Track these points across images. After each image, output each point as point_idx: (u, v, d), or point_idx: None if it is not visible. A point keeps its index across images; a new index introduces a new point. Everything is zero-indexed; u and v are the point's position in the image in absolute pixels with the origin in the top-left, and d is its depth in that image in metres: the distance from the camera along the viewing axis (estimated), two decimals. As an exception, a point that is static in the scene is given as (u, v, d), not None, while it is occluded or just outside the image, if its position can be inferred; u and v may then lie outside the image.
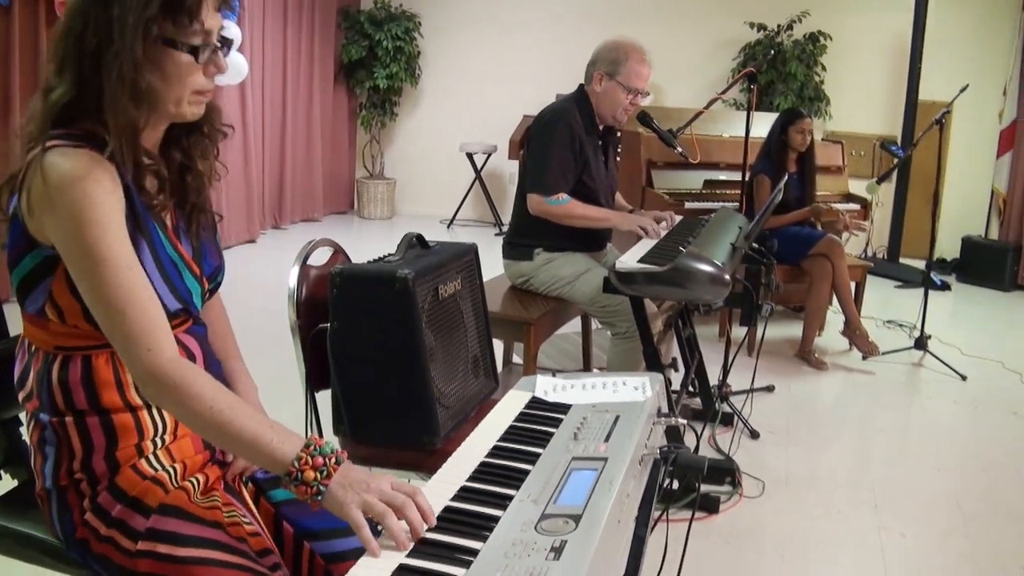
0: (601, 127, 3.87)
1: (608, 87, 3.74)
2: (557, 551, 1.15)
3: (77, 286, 1.46)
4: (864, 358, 5.25)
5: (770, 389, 4.69)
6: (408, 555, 1.21)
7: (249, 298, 5.43)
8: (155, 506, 1.55)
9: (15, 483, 1.91)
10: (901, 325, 6.11)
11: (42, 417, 1.58)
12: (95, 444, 1.56)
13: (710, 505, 3.32)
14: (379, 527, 1.30)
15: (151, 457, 1.60)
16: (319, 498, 1.37)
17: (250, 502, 1.73)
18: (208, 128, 1.68)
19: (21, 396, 1.63)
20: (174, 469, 1.61)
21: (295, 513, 1.73)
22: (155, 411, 1.61)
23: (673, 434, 3.25)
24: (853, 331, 5.27)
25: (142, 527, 1.53)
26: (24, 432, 1.86)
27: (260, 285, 6.04)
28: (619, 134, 6.16)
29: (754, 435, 4.04)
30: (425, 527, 1.28)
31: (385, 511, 1.29)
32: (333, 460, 1.39)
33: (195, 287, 1.65)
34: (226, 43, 1.56)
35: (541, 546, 1.17)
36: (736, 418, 4.11)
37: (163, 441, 1.62)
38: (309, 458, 1.38)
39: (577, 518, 1.24)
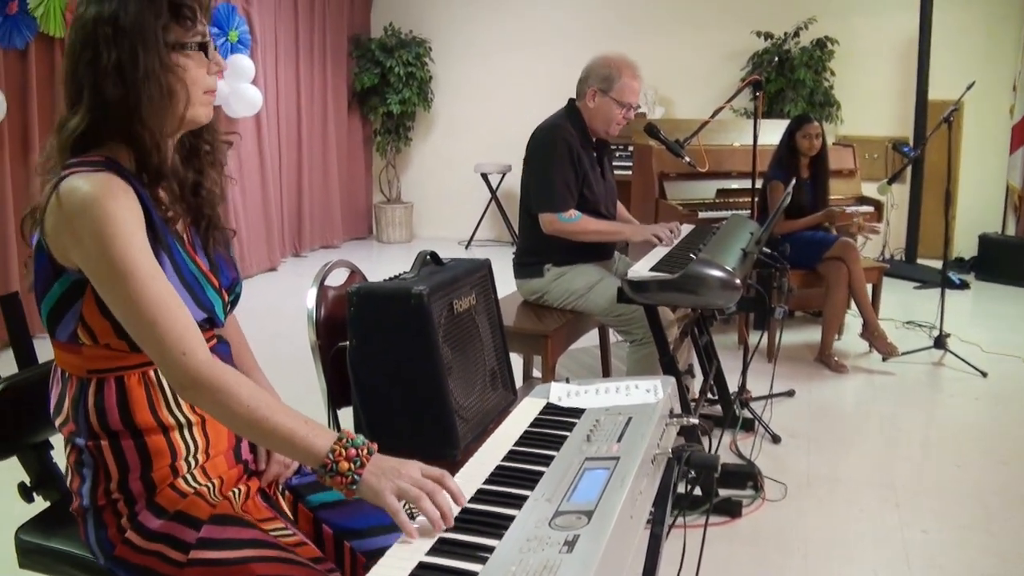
0: (594, 139, 3.92)
1: (602, 103, 3.80)
2: (570, 545, 1.19)
3: (107, 303, 1.50)
4: (884, 359, 5.26)
5: (790, 394, 4.70)
6: (427, 553, 1.26)
7: (271, 324, 5.49)
8: (205, 518, 1.60)
9: (47, 504, 1.96)
10: (920, 325, 6.11)
11: (78, 441, 1.63)
12: (130, 466, 1.61)
13: (733, 509, 3.34)
14: (413, 511, 1.36)
15: (187, 476, 1.65)
16: (354, 487, 1.44)
17: (288, 511, 1.80)
18: (212, 139, 1.75)
19: (58, 422, 1.68)
20: (212, 484, 1.67)
21: (333, 515, 1.80)
22: (186, 432, 1.66)
23: (691, 435, 3.29)
24: (871, 333, 5.28)
25: (192, 538, 1.58)
26: (54, 455, 1.95)
27: (281, 311, 6.12)
28: (627, 147, 6.23)
29: (775, 440, 4.06)
30: (457, 509, 1.35)
31: (419, 495, 1.36)
32: (365, 451, 1.47)
33: (216, 300, 1.71)
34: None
35: (554, 540, 1.21)
36: (757, 423, 4.13)
37: (196, 461, 1.68)
38: (343, 450, 1.46)
39: (589, 514, 1.28)
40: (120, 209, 1.47)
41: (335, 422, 2.54)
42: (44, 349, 1.73)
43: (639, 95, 3.86)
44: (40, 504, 1.96)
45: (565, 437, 1.65)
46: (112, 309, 1.51)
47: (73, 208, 1.46)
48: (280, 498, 1.82)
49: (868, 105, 8.73)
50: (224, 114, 7.19)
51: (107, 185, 1.48)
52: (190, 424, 1.67)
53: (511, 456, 1.60)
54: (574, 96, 3.94)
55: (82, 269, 1.50)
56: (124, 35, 1.49)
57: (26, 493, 1.93)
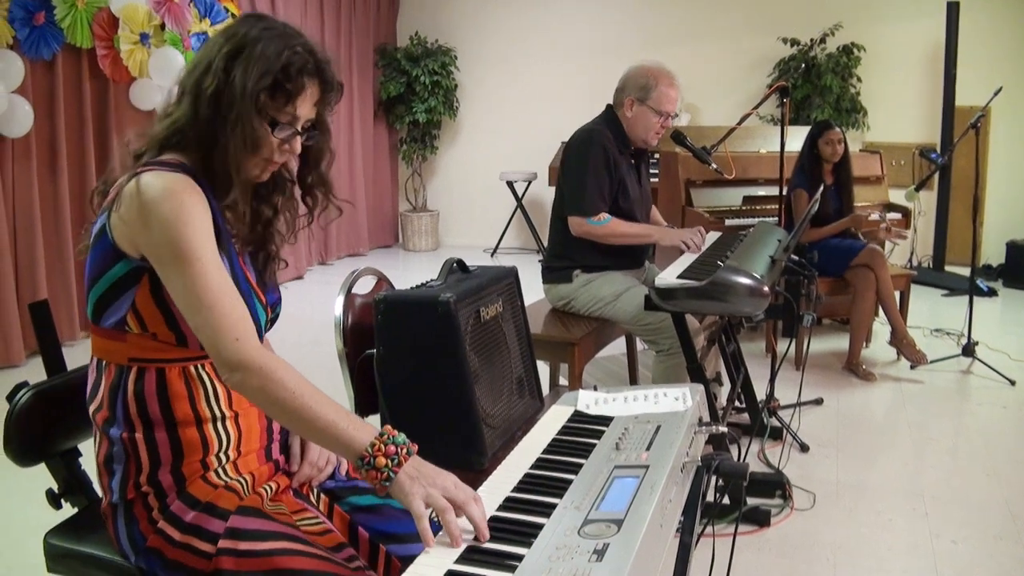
0: (632, 147, 3.91)
1: (639, 111, 3.79)
2: (599, 553, 1.19)
3: (168, 287, 1.58)
4: (912, 367, 5.22)
5: (819, 402, 4.67)
6: (456, 561, 1.26)
7: (298, 332, 5.51)
8: (232, 509, 1.64)
9: (75, 510, 1.98)
10: (949, 333, 6.06)
11: (112, 433, 1.67)
12: (162, 459, 1.65)
13: (761, 518, 3.31)
14: (437, 520, 1.37)
15: (219, 471, 1.69)
16: (387, 484, 1.45)
17: (323, 511, 1.81)
18: (324, 200, 1.89)
19: (92, 408, 1.72)
20: (244, 480, 1.71)
21: (370, 519, 1.81)
22: (219, 424, 1.70)
23: (720, 443, 3.27)
24: (900, 340, 5.24)
25: (220, 528, 1.61)
26: (82, 462, 1.97)
27: (309, 319, 6.14)
28: (655, 154, 6.21)
29: (804, 448, 4.03)
30: (482, 528, 1.34)
31: (446, 507, 1.36)
32: (404, 451, 1.49)
33: (262, 314, 1.77)
34: (311, 130, 1.75)
35: (584, 549, 1.21)
36: (785, 432, 4.10)
37: (228, 457, 1.71)
38: (383, 445, 1.48)
39: (619, 522, 1.28)
40: (195, 203, 1.58)
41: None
42: (73, 357, 1.75)
43: (676, 104, 3.85)
44: (67, 511, 1.97)
45: (594, 445, 1.65)
46: (173, 292, 1.57)
47: (150, 197, 1.55)
48: (311, 493, 1.85)
49: (895, 111, 8.67)
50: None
51: (184, 183, 1.59)
52: (224, 417, 1.71)
53: (539, 464, 1.59)
54: (611, 103, 3.94)
55: (147, 256, 1.58)
56: (232, 74, 1.61)
57: (54, 500, 1.95)
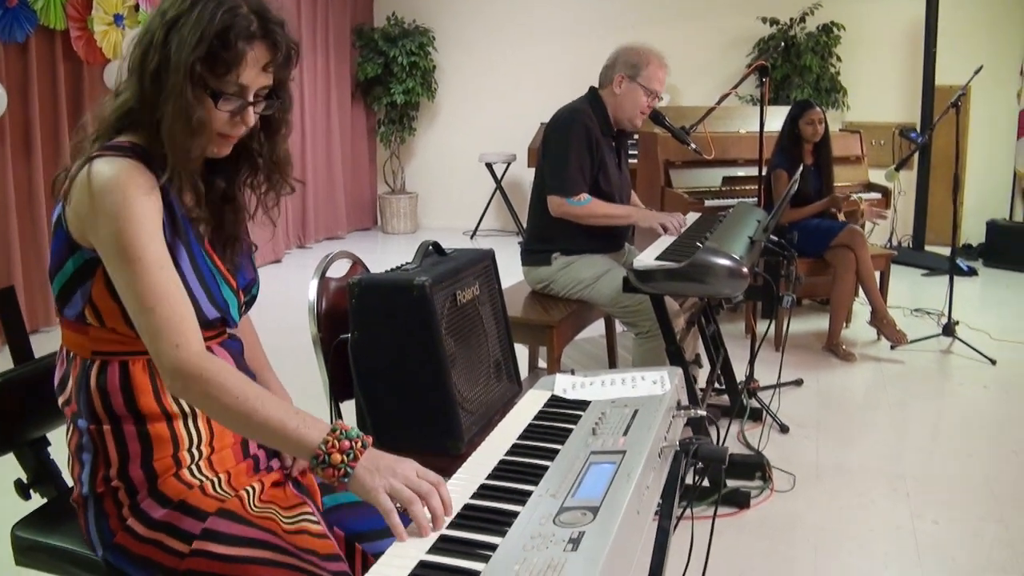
0: (615, 129, 3.88)
1: (628, 88, 3.77)
2: (575, 542, 1.16)
3: (114, 284, 1.52)
4: (892, 347, 5.22)
5: (798, 383, 4.66)
6: (428, 551, 1.23)
7: (276, 316, 5.46)
8: (212, 511, 1.59)
9: (44, 500, 1.95)
10: (929, 313, 6.06)
11: (80, 424, 1.63)
12: (131, 453, 1.61)
13: (741, 500, 3.30)
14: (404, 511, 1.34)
15: (192, 468, 1.64)
16: (346, 480, 1.41)
17: (320, 504, 1.76)
18: (276, 176, 1.77)
19: (60, 400, 1.68)
20: (218, 478, 1.66)
21: (344, 517, 1.77)
22: (190, 422, 1.66)
23: (699, 427, 3.25)
24: (880, 320, 5.24)
25: (197, 529, 1.57)
26: (51, 451, 1.93)
27: (286, 303, 6.08)
28: (634, 135, 6.18)
29: (783, 429, 4.03)
30: (447, 519, 1.31)
31: (412, 498, 1.33)
32: (359, 444, 1.44)
33: (232, 299, 1.72)
34: (268, 98, 1.65)
35: (559, 538, 1.18)
36: (765, 413, 4.09)
37: (200, 453, 1.66)
38: (336, 441, 1.43)
39: (595, 510, 1.25)
40: (139, 195, 1.51)
41: (337, 415, 2.52)
42: (40, 344, 1.71)
43: (664, 85, 3.86)
44: (36, 502, 1.94)
45: (570, 430, 1.62)
46: (118, 290, 1.53)
47: (97, 188, 1.49)
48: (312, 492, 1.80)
49: (875, 91, 8.68)
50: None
51: (131, 171, 1.52)
52: (194, 415, 1.66)
53: (515, 450, 1.56)
54: (594, 85, 3.91)
55: (96, 248, 1.53)
56: (168, 48, 1.52)
57: (23, 490, 1.92)
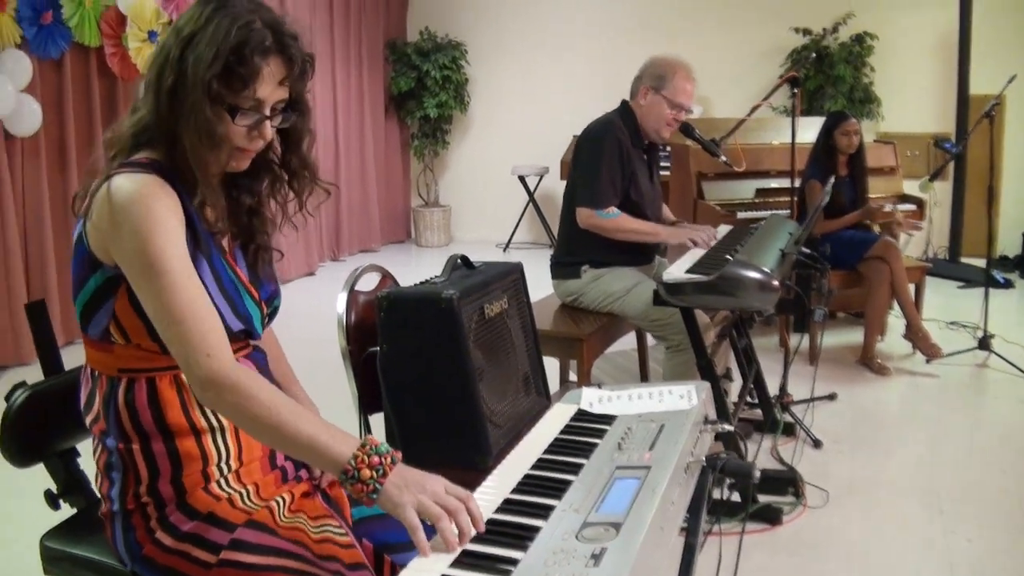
0: (646, 142, 3.87)
1: (653, 100, 3.75)
2: (596, 558, 1.15)
3: (140, 299, 1.52)
4: (927, 361, 5.15)
5: (832, 397, 4.61)
6: (450, 565, 1.23)
7: (308, 328, 5.49)
8: (241, 522, 1.60)
9: (74, 511, 1.96)
10: (964, 326, 5.98)
11: (109, 442, 1.63)
12: (160, 470, 1.61)
13: (773, 516, 3.26)
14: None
15: (220, 481, 1.65)
16: (375, 496, 1.40)
17: (349, 516, 1.76)
18: (307, 182, 1.77)
19: (88, 419, 1.69)
20: (246, 491, 1.66)
21: (372, 528, 1.76)
22: (219, 437, 1.66)
23: (731, 442, 3.23)
24: (915, 334, 5.18)
25: (225, 540, 1.57)
26: (80, 463, 1.95)
27: (318, 316, 6.12)
28: (667, 147, 6.16)
29: (817, 444, 3.98)
30: (474, 532, 1.31)
31: (440, 514, 1.33)
32: (389, 459, 1.43)
33: (255, 311, 1.72)
34: (285, 111, 1.65)
35: (581, 554, 1.17)
36: (798, 428, 4.05)
37: (229, 467, 1.67)
38: (366, 457, 1.42)
39: (618, 526, 1.24)
40: (162, 208, 1.51)
41: (366, 428, 2.52)
42: (74, 357, 1.73)
43: (691, 98, 3.81)
44: (65, 512, 1.95)
45: (596, 445, 1.61)
46: (144, 305, 1.52)
47: (118, 203, 1.50)
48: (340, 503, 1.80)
49: (909, 101, 8.60)
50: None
51: (151, 185, 1.52)
52: (223, 429, 1.66)
53: (539, 464, 1.56)
54: (626, 98, 3.90)
55: (119, 264, 1.53)
56: (184, 64, 1.52)
57: (52, 500, 1.93)
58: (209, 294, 1.58)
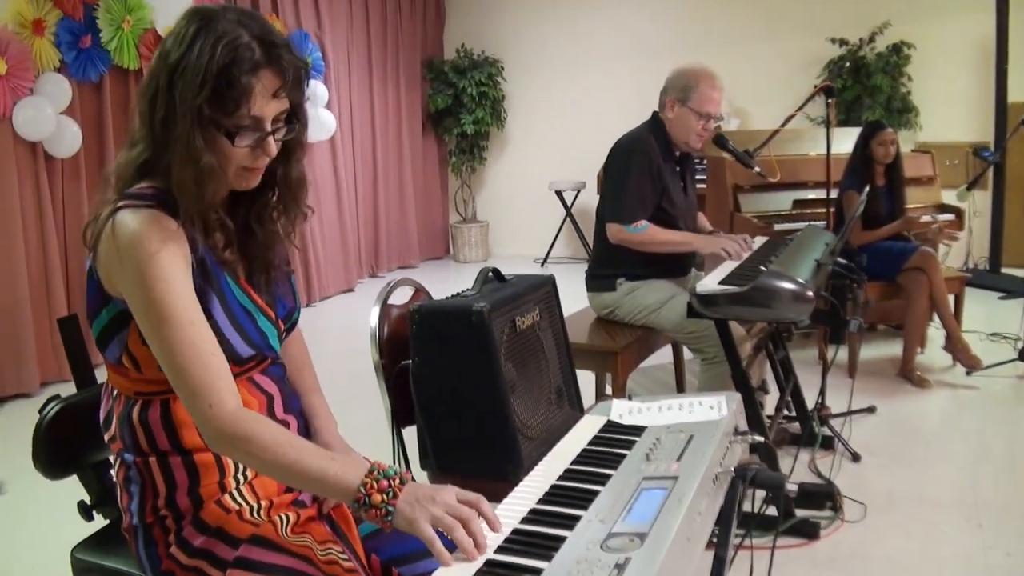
0: (677, 153, 3.86)
1: (680, 113, 3.74)
2: (620, 568, 1.15)
3: (146, 339, 1.53)
4: (968, 373, 5.08)
5: (871, 410, 4.57)
6: (474, 575, 1.23)
7: (344, 343, 5.54)
8: (245, 537, 1.60)
9: (106, 522, 1.99)
10: (1005, 337, 5.88)
11: (126, 457, 1.65)
12: (178, 482, 1.63)
13: (810, 531, 3.23)
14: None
15: (234, 492, 1.66)
16: (389, 519, 1.41)
17: (356, 536, 1.76)
18: (288, 200, 1.74)
19: (106, 437, 1.71)
20: (258, 504, 1.67)
21: (380, 543, 1.76)
22: None
23: (767, 455, 3.21)
24: (954, 345, 5.11)
25: (230, 556, 1.58)
26: (113, 475, 1.96)
27: (355, 331, 6.16)
28: (703, 159, 6.15)
29: (855, 458, 3.94)
30: (491, 536, 1.32)
31: (453, 524, 1.33)
32: (397, 481, 1.44)
33: (271, 330, 1.73)
34: (288, 123, 1.62)
35: (605, 563, 1.17)
36: (836, 441, 4.01)
37: (245, 477, 1.68)
38: (374, 482, 1.43)
39: (643, 536, 1.24)
40: (164, 251, 1.50)
41: (399, 441, 2.53)
42: (102, 370, 1.75)
43: (719, 106, 3.78)
44: (97, 523, 1.98)
45: (624, 456, 1.61)
46: (150, 346, 1.53)
47: (122, 243, 1.50)
48: (345, 521, 1.80)
49: (947, 110, 8.49)
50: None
51: (153, 224, 1.51)
52: None
53: (567, 475, 1.56)
54: (657, 109, 3.90)
55: (126, 300, 1.53)
56: (173, 92, 1.50)
57: (86, 511, 1.96)
58: (218, 326, 1.58)
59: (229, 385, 1.53)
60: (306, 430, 1.84)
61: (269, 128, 1.57)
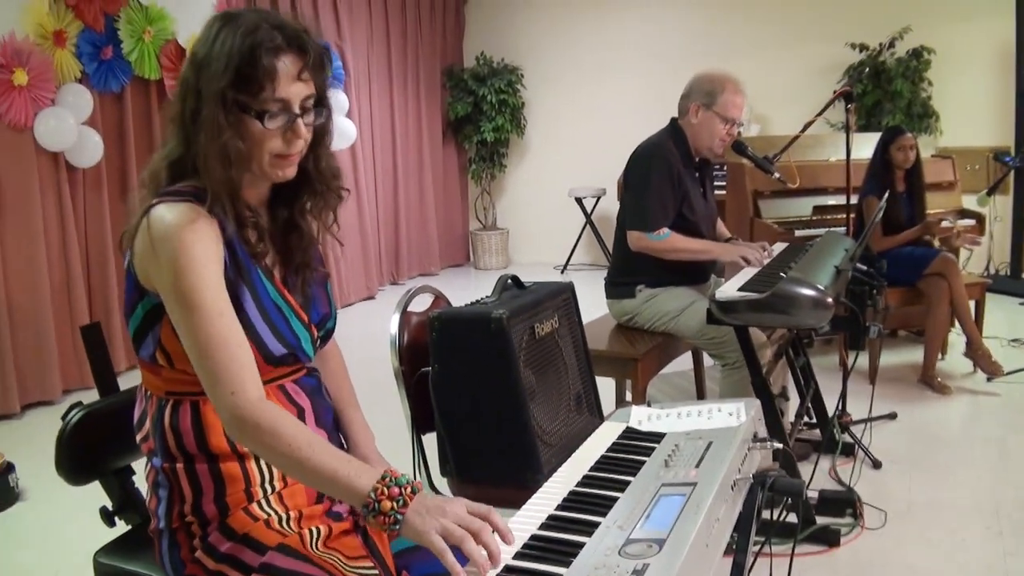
0: (697, 159, 3.87)
1: (705, 118, 3.75)
2: (639, 573, 1.16)
3: (176, 329, 1.56)
4: (989, 380, 5.06)
5: (892, 416, 4.55)
6: (492, 583, 1.24)
7: (367, 351, 5.54)
8: (273, 545, 1.61)
9: (128, 527, 2.01)
10: (1028, 343, 5.87)
11: (155, 461, 1.68)
12: (204, 489, 1.64)
13: (831, 538, 3.22)
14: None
15: (262, 502, 1.67)
16: (397, 527, 1.40)
17: (388, 551, 1.75)
18: (322, 187, 1.77)
19: (139, 437, 1.74)
20: (287, 515, 1.68)
21: (411, 561, 1.76)
22: (262, 460, 1.68)
23: (788, 461, 3.20)
24: (975, 351, 5.08)
25: (255, 562, 1.59)
26: (135, 480, 2.00)
27: (376, 338, 6.17)
28: (723, 166, 6.14)
29: (876, 465, 3.93)
30: (503, 547, 1.31)
31: (464, 536, 1.32)
32: (409, 489, 1.43)
33: (304, 334, 1.74)
34: (316, 108, 1.65)
35: (623, 570, 1.18)
36: (856, 448, 4.00)
37: (273, 488, 1.69)
38: (385, 488, 1.42)
39: (661, 542, 1.25)
40: (197, 242, 1.53)
41: (419, 448, 2.55)
42: (132, 380, 1.78)
43: (743, 111, 3.79)
44: (119, 529, 2.00)
45: (643, 462, 1.62)
46: (179, 336, 1.55)
47: (157, 235, 1.54)
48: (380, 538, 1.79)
49: (967, 115, 8.42)
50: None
51: (188, 216, 1.54)
52: None
53: (585, 481, 1.57)
54: (675, 115, 3.90)
55: (159, 293, 1.56)
56: (199, 91, 1.55)
57: (108, 517, 1.98)
58: (249, 321, 1.61)
59: (253, 376, 1.55)
60: (340, 445, 1.85)
61: (297, 111, 1.60)
